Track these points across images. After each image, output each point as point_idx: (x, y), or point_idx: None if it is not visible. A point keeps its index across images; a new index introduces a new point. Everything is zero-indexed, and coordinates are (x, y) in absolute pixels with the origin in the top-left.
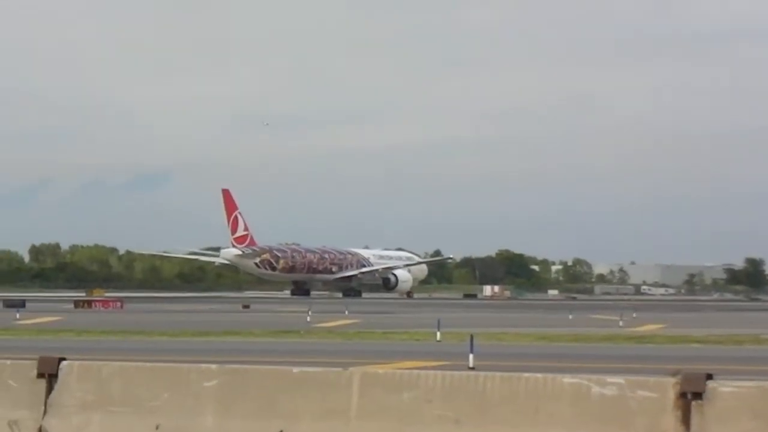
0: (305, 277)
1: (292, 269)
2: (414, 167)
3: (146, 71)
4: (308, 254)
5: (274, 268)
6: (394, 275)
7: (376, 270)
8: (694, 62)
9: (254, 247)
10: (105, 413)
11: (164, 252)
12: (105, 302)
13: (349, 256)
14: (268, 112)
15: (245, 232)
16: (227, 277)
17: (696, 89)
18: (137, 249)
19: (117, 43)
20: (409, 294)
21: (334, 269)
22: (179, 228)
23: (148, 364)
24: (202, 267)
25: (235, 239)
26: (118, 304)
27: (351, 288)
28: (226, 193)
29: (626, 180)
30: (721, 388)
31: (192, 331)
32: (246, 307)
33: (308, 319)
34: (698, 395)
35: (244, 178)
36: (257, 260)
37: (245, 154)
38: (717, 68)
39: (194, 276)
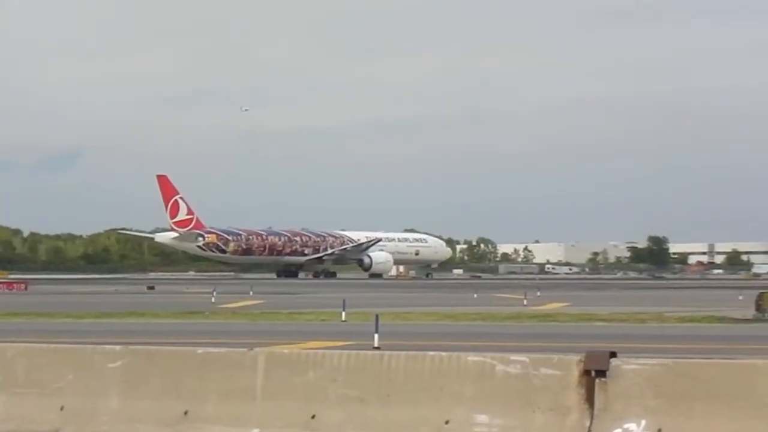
0: (268, 259)
1: (247, 252)
2: (325, 149)
3: (61, 51)
4: (270, 237)
5: (223, 251)
6: (369, 257)
7: (333, 252)
8: (594, 42)
9: (196, 231)
10: (10, 394)
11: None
12: (9, 284)
13: (330, 238)
14: (186, 92)
15: (189, 216)
16: (132, 259)
17: (597, 66)
18: (44, 230)
19: (32, 21)
20: (427, 275)
21: (306, 251)
22: (87, 209)
23: (52, 346)
24: (107, 248)
25: (176, 223)
26: (22, 285)
27: (322, 270)
28: (163, 179)
29: (530, 160)
30: (625, 365)
31: (96, 313)
32: (151, 288)
33: (213, 300)
34: (602, 373)
35: (156, 158)
36: (201, 243)
37: (157, 135)
38: (619, 46)
39: (98, 257)
